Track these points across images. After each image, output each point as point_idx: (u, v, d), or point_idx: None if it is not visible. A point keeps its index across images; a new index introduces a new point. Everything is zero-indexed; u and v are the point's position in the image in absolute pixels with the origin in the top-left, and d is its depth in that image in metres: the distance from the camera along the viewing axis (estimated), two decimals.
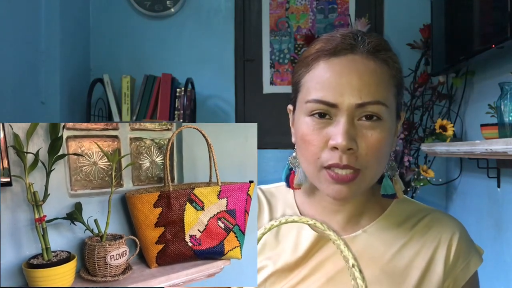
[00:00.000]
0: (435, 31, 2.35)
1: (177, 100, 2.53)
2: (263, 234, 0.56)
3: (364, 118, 0.67)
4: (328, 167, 0.66)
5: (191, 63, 2.75)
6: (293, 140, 0.76)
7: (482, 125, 1.72)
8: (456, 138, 2.30)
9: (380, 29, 2.66)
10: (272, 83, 2.79)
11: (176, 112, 2.52)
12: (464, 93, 2.32)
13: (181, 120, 2.48)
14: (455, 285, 0.73)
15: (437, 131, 2.18)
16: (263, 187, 0.85)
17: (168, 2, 2.75)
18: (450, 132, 2.16)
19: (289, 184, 0.76)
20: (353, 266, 0.55)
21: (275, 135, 2.67)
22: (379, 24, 2.70)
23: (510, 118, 1.51)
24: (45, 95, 2.38)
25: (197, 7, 2.77)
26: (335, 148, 0.66)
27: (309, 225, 0.56)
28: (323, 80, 0.68)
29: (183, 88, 2.51)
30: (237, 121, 2.75)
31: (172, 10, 2.75)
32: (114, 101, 2.54)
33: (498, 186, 1.90)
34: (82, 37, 2.73)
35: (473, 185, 2.22)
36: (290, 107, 0.77)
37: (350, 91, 0.66)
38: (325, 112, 0.67)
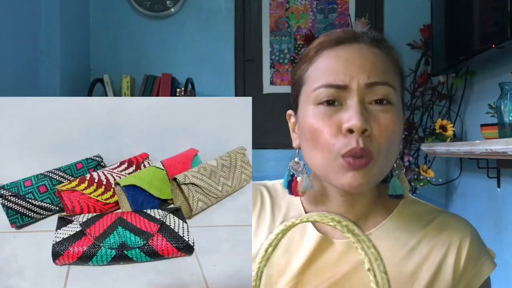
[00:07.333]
0: (435, 31, 2.35)
1: None
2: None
3: (374, 102, 0.65)
4: (346, 155, 0.63)
5: (191, 63, 2.75)
6: (294, 145, 0.73)
7: (482, 125, 1.72)
8: (456, 138, 2.30)
9: (380, 29, 2.66)
10: (272, 83, 2.79)
11: None
12: (464, 93, 2.32)
13: None
14: None
15: (437, 131, 2.18)
16: (268, 183, 0.81)
17: (168, 2, 2.75)
18: (450, 132, 2.16)
19: (291, 191, 0.73)
20: (368, 270, 0.51)
21: (275, 135, 2.67)
22: (379, 24, 2.69)
23: (510, 118, 1.51)
24: (45, 95, 2.38)
25: (197, 7, 2.77)
26: (349, 131, 0.63)
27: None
28: (330, 66, 0.66)
29: (183, 88, 2.51)
30: None
31: (172, 10, 2.75)
32: None
33: (498, 186, 1.90)
34: (82, 37, 2.73)
35: (473, 185, 2.22)
36: (290, 112, 0.75)
37: (359, 72, 0.65)
38: (334, 99, 0.65)
